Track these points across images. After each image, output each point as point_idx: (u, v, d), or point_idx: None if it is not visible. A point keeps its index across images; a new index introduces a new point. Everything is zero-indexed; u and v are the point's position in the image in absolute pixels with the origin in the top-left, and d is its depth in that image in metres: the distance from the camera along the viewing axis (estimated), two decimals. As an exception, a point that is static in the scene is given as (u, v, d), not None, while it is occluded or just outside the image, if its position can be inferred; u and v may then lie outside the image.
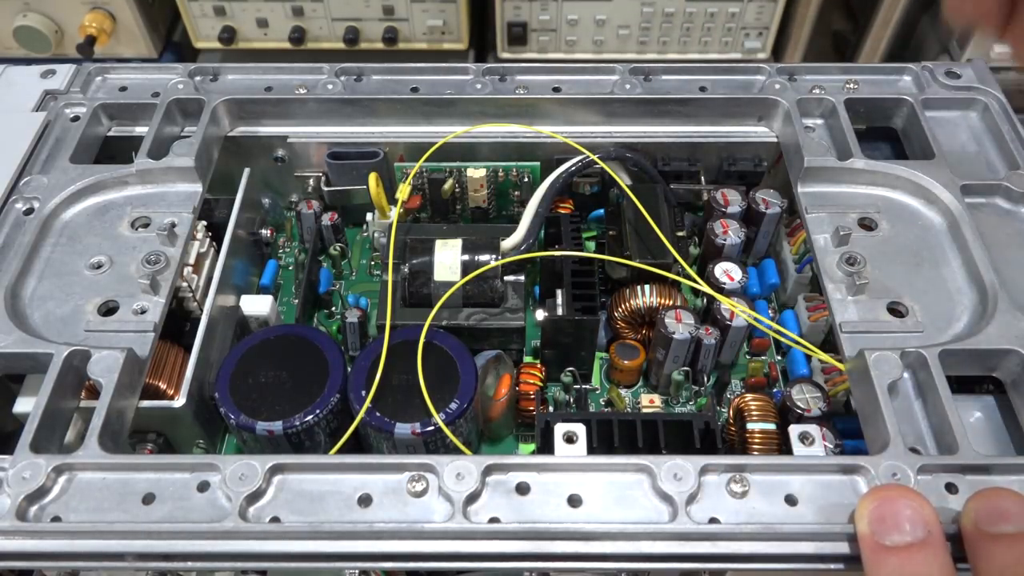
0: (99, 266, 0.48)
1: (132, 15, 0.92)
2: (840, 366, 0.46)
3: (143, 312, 0.46)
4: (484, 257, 0.52)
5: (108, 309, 0.46)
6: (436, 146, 0.56)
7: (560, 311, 0.51)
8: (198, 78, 0.59)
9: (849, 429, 0.46)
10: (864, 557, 0.35)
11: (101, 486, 0.39)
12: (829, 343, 0.52)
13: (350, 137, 0.58)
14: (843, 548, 0.36)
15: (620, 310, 0.53)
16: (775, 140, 0.58)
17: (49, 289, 0.47)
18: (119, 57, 0.94)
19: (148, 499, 0.38)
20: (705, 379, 0.52)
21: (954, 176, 0.51)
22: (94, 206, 0.52)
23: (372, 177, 0.55)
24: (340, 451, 0.45)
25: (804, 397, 0.47)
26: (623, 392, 0.53)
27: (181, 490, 0.39)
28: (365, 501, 0.38)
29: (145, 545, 0.37)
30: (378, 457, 0.42)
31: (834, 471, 0.39)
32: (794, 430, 0.45)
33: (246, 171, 0.57)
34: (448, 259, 0.52)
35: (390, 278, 0.52)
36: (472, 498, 0.38)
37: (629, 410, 0.52)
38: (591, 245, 0.58)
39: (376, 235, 0.59)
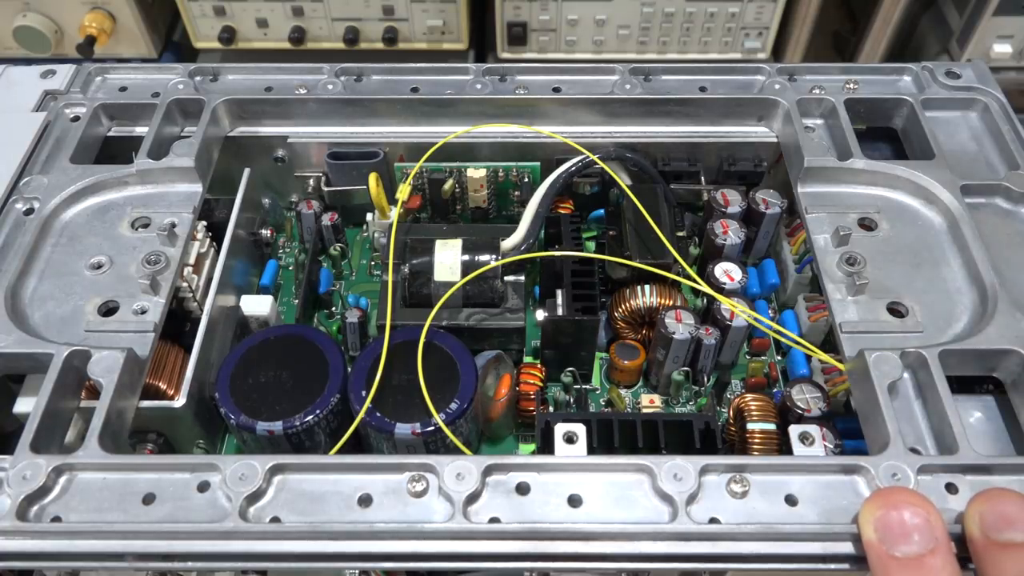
0: (99, 266, 0.48)
1: (132, 15, 0.92)
2: (840, 366, 0.46)
3: (143, 312, 0.46)
4: (484, 257, 0.52)
5: (108, 309, 0.46)
6: (436, 146, 0.56)
7: (560, 311, 0.51)
8: (198, 78, 0.59)
9: (849, 429, 0.45)
10: (872, 566, 0.35)
11: (101, 486, 0.39)
12: (829, 343, 0.52)
13: (350, 137, 0.58)
14: (843, 548, 0.36)
15: (620, 310, 0.53)
16: (775, 140, 0.57)
17: (49, 289, 0.47)
18: (119, 57, 0.94)
19: (148, 499, 0.38)
20: (705, 379, 0.52)
21: (954, 176, 0.51)
22: (94, 206, 0.52)
23: (372, 177, 0.55)
24: (340, 451, 0.45)
25: (804, 397, 0.47)
26: (623, 392, 0.53)
27: (181, 490, 0.38)
28: (365, 501, 0.38)
29: (145, 545, 0.37)
30: (378, 457, 0.42)
31: (834, 471, 0.39)
32: (794, 430, 0.45)
33: (246, 171, 0.57)
34: (448, 259, 0.52)
35: (390, 278, 0.52)
36: (472, 498, 0.38)
37: (629, 410, 0.52)
38: (591, 245, 0.58)
39: (376, 235, 0.59)
